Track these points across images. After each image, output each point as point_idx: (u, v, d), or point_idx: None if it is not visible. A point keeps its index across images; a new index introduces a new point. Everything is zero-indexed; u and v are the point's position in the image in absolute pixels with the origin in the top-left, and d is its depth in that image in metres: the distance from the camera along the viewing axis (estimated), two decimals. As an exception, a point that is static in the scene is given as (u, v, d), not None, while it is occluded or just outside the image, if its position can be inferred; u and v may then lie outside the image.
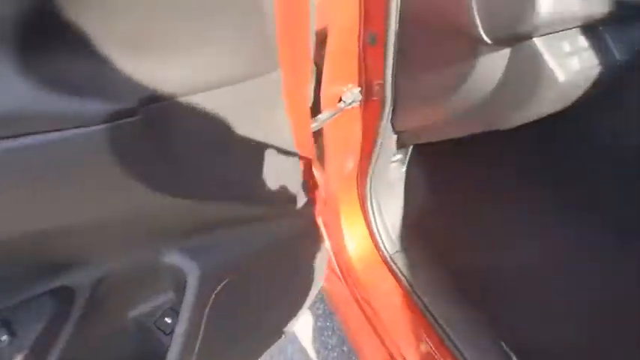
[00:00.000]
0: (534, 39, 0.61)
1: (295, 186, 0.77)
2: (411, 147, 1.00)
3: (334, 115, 0.87)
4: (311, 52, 0.75)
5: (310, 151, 0.82)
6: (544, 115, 0.70)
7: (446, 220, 1.07)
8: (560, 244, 0.99)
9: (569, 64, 0.63)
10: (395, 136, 0.92)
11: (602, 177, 0.99)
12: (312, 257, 0.86)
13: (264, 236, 0.74)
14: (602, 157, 0.99)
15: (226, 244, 0.68)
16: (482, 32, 0.62)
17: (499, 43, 0.63)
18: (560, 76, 0.62)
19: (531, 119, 0.70)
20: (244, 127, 0.69)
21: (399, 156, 1.01)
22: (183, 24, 0.52)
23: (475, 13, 0.61)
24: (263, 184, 0.72)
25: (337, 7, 0.79)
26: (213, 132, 0.65)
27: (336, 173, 0.99)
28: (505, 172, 1.07)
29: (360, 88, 0.88)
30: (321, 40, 0.85)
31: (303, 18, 0.72)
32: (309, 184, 0.83)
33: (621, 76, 0.69)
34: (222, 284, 0.68)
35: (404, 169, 1.04)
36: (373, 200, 0.99)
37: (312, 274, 0.86)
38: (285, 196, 0.75)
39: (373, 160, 0.94)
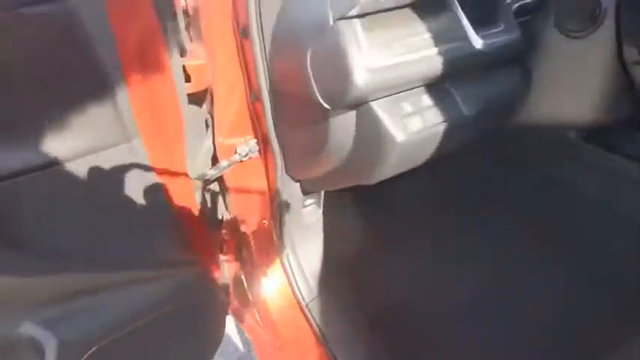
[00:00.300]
0: (371, 103, 0.62)
1: (170, 246, 0.78)
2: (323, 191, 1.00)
3: (230, 165, 0.88)
4: (180, 114, 0.76)
5: (192, 207, 0.83)
6: (402, 171, 0.71)
7: (360, 265, 1.05)
8: (477, 292, 0.97)
9: (410, 125, 0.64)
10: (298, 184, 0.93)
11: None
12: (207, 312, 0.86)
13: (142, 299, 0.74)
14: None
15: (90, 312, 0.68)
16: (320, 100, 0.63)
17: (338, 108, 0.63)
18: (399, 136, 0.63)
19: (389, 175, 0.71)
20: (103, 196, 0.70)
21: (311, 200, 1.01)
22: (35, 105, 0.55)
23: (312, 82, 0.62)
24: (128, 249, 0.73)
25: (222, 68, 0.81)
26: (64, 205, 0.66)
27: (248, 221, 0.99)
28: (420, 219, 1.06)
29: (256, 140, 0.89)
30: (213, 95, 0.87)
31: (168, 87, 0.74)
32: (193, 240, 0.84)
33: None
34: (89, 352, 0.69)
35: (320, 211, 1.03)
36: (288, 246, 0.98)
37: (209, 329, 0.86)
38: (158, 258, 0.76)
39: (282, 207, 0.94)
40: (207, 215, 0.93)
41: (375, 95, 0.62)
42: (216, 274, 0.97)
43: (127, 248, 0.72)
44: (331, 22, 0.58)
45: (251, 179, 0.93)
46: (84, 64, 0.63)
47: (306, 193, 0.96)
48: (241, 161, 0.89)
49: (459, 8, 0.66)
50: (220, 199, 0.97)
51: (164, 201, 0.76)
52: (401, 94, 0.65)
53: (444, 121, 0.67)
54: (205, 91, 0.86)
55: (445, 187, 1.08)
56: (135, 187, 0.71)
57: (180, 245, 0.81)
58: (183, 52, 0.83)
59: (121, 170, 0.70)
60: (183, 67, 0.81)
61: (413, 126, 0.64)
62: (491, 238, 1.02)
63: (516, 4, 0.73)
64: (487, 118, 0.71)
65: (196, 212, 0.86)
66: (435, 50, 0.63)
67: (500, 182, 1.02)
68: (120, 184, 0.70)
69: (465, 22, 0.66)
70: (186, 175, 0.80)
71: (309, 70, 0.62)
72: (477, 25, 0.68)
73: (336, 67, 0.59)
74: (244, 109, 0.85)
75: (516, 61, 0.73)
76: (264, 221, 0.98)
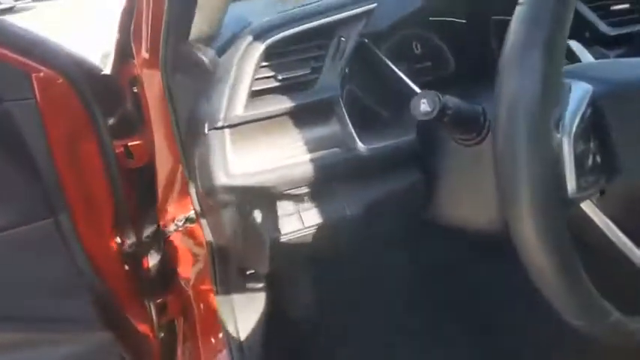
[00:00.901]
0: (249, 203, 0.67)
1: (93, 312, 0.84)
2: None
3: (169, 234, 0.95)
4: (108, 191, 0.85)
5: (121, 276, 0.90)
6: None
7: (295, 337, 1.06)
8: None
9: (286, 225, 0.67)
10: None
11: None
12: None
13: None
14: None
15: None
16: (202, 196, 0.69)
17: (219, 204, 0.68)
18: (271, 235, 0.66)
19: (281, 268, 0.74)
20: (25, 265, 0.79)
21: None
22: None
23: (197, 180, 0.68)
24: (49, 312, 0.80)
25: (161, 146, 0.89)
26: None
27: (191, 288, 1.04)
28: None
29: (193, 210, 0.95)
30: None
31: (96, 166, 0.82)
32: (123, 308, 0.90)
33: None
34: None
35: (263, 279, 1.06)
36: (228, 314, 1.01)
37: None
38: (79, 323, 0.83)
39: (222, 276, 0.98)
40: (141, 282, 0.99)
41: (249, 197, 0.66)
42: (147, 342, 1.02)
43: (48, 310, 0.80)
44: (206, 131, 0.64)
45: (193, 246, 0.99)
46: (12, 150, 0.72)
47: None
48: (181, 229, 0.95)
49: (345, 113, 0.68)
50: (160, 265, 1.03)
51: (89, 272, 0.83)
52: (284, 194, 0.68)
53: (325, 222, 0.68)
54: (149, 165, 0.94)
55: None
56: (60, 259, 0.79)
57: (105, 311, 0.87)
58: (129, 131, 0.93)
59: (46, 244, 0.78)
60: (126, 145, 0.91)
61: (290, 226, 0.67)
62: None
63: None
64: (375, 220, 0.72)
65: (126, 281, 0.92)
66: (311, 156, 0.66)
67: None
68: (44, 256, 0.78)
69: (349, 128, 0.68)
70: (114, 246, 0.88)
71: (196, 171, 0.68)
72: (366, 128, 0.70)
73: (204, 172, 0.64)
74: (182, 183, 0.92)
75: (414, 161, 0.73)
76: (207, 288, 1.02)
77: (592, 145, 0.48)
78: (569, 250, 0.43)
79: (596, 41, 0.87)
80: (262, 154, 0.66)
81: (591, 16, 0.89)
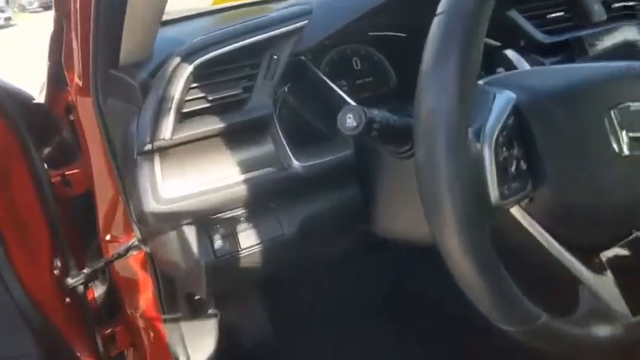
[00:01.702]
0: (182, 227, 0.65)
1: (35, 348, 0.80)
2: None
3: (107, 264, 0.91)
4: (43, 220, 0.81)
5: (61, 308, 0.85)
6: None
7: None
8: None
9: (221, 248, 0.66)
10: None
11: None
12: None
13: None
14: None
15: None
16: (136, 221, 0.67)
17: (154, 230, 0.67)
18: (204, 258, 0.64)
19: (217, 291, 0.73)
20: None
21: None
22: None
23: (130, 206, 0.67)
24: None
25: (99, 173, 0.85)
26: None
27: (140, 317, 1.00)
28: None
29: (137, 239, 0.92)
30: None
31: (28, 194, 0.79)
32: (66, 342, 0.86)
33: None
34: None
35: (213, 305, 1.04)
36: (178, 343, 0.98)
37: None
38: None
39: (169, 303, 0.95)
40: (87, 314, 0.95)
41: (182, 221, 0.64)
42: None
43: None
44: (134, 157, 0.62)
45: (139, 273, 0.95)
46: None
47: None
48: (125, 257, 0.92)
49: (280, 132, 0.68)
50: (106, 295, 0.99)
51: (28, 305, 0.79)
52: (219, 216, 0.66)
53: (262, 243, 0.67)
54: (88, 193, 0.91)
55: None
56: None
57: (49, 346, 0.83)
58: (66, 160, 0.90)
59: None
60: (63, 173, 0.87)
61: (225, 248, 0.65)
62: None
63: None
64: (315, 237, 0.71)
65: (70, 313, 0.88)
66: (245, 176, 0.65)
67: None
68: None
69: (284, 146, 0.67)
70: (54, 277, 0.84)
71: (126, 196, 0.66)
72: (304, 146, 0.69)
73: (135, 199, 0.63)
74: (123, 210, 0.89)
75: (352, 176, 0.73)
76: (155, 316, 0.99)
77: (516, 152, 0.49)
78: (492, 257, 0.43)
79: (532, 49, 0.89)
80: (194, 177, 0.65)
81: (527, 25, 0.90)
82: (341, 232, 0.76)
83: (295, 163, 0.67)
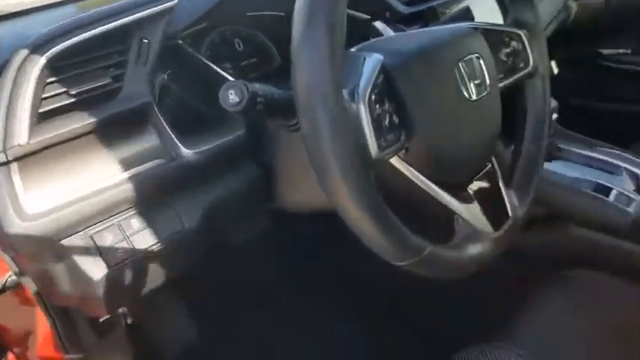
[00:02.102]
0: (62, 241, 0.58)
1: None
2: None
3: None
4: None
5: None
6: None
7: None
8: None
9: (112, 257, 0.60)
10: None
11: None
12: None
13: None
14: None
15: None
16: None
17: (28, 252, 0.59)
18: (97, 274, 0.59)
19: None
20: None
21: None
22: None
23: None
24: None
25: None
26: None
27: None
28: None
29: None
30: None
31: None
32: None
33: None
34: None
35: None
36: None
37: None
38: None
39: (69, 334, 0.86)
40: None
41: (58, 237, 0.57)
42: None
43: None
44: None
45: (25, 312, 0.85)
46: None
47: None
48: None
49: (162, 120, 0.64)
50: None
51: None
52: (104, 222, 0.61)
53: (161, 241, 0.64)
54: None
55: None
56: None
57: None
58: None
59: None
60: None
61: (117, 256, 0.60)
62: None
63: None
64: (220, 226, 0.71)
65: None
66: (129, 173, 0.61)
67: None
68: None
69: (169, 134, 0.64)
70: None
71: None
72: (193, 132, 0.68)
73: None
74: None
75: (248, 156, 0.73)
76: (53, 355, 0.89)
77: (388, 107, 0.55)
78: (380, 202, 0.49)
79: (396, 20, 0.98)
80: (65, 183, 0.58)
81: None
82: (247, 216, 0.76)
83: (184, 151, 0.64)
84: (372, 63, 0.56)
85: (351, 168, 0.46)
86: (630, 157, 0.92)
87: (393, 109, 0.56)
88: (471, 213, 0.60)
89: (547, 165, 0.90)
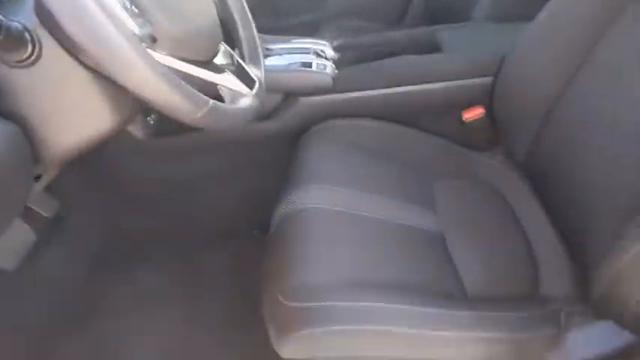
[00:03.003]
0: None
1: None
2: None
3: None
4: None
5: None
6: None
7: None
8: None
9: None
10: None
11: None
12: None
13: None
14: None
15: None
16: None
17: None
18: None
19: None
20: None
21: None
22: None
23: None
24: None
25: None
26: None
27: None
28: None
29: None
30: None
31: None
32: None
33: None
34: None
35: None
36: None
37: None
38: None
39: None
40: None
41: None
42: None
43: None
44: None
45: None
46: None
47: None
48: None
49: None
50: None
51: None
52: None
53: None
54: None
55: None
56: None
57: None
58: None
59: None
60: None
61: None
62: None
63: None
64: None
65: None
66: None
67: None
68: None
69: None
70: None
71: None
72: None
73: None
74: None
75: None
76: None
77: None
78: (166, 67, 0.57)
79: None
80: None
81: None
82: (16, 187, 0.69)
83: None
84: None
85: (136, 45, 0.52)
86: (313, 40, 1.21)
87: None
88: (228, 81, 0.73)
89: (266, 61, 1.10)
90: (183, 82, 0.59)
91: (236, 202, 1.26)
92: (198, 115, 0.60)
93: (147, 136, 1.11)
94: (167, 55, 0.65)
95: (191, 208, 1.26)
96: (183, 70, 0.67)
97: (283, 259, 0.80)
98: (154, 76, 0.54)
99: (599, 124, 0.78)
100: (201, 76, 0.69)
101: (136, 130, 1.10)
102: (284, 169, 1.01)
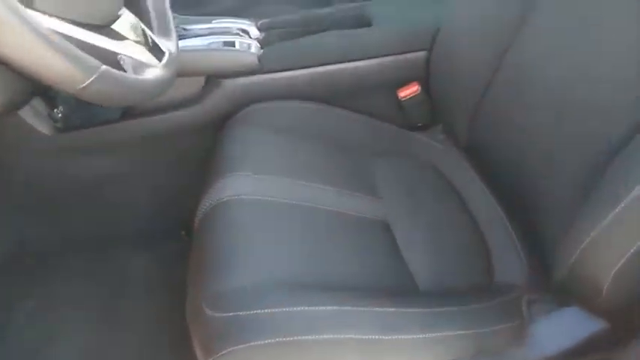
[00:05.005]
0: None
1: None
2: None
3: None
4: None
5: None
6: None
7: None
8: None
9: None
10: None
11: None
12: None
13: None
14: None
15: None
16: None
17: None
18: None
19: None
20: None
21: None
22: None
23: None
24: None
25: None
26: None
27: None
28: None
29: None
30: None
31: None
32: None
33: None
34: None
35: None
36: None
37: None
38: None
39: None
40: None
41: None
42: None
43: None
44: None
45: None
46: None
47: None
48: None
49: None
50: None
51: None
52: None
53: None
54: None
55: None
56: None
57: None
58: None
59: None
60: None
61: None
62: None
63: None
64: None
65: None
66: None
67: None
68: None
69: None
70: None
71: None
72: None
73: None
74: None
75: None
76: None
77: None
78: (48, 30, 0.47)
79: None
80: None
81: None
82: None
83: None
84: None
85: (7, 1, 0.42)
86: (236, 19, 1.11)
87: None
88: (132, 51, 0.62)
89: (184, 42, 0.99)
90: (68, 44, 0.48)
91: (159, 200, 1.13)
92: (87, 81, 0.49)
93: (54, 131, 0.98)
94: (51, 16, 0.54)
95: (110, 207, 1.12)
96: (71, 34, 0.55)
97: (206, 261, 0.69)
98: (30, 35, 0.44)
99: (538, 91, 0.75)
100: (96, 42, 0.58)
101: (41, 124, 0.97)
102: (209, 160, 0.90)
